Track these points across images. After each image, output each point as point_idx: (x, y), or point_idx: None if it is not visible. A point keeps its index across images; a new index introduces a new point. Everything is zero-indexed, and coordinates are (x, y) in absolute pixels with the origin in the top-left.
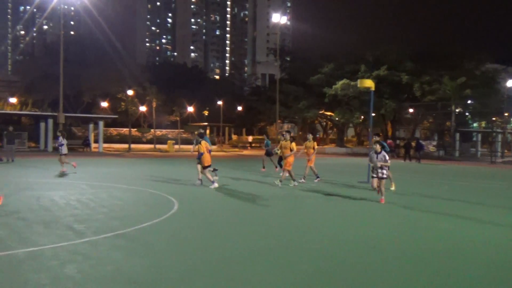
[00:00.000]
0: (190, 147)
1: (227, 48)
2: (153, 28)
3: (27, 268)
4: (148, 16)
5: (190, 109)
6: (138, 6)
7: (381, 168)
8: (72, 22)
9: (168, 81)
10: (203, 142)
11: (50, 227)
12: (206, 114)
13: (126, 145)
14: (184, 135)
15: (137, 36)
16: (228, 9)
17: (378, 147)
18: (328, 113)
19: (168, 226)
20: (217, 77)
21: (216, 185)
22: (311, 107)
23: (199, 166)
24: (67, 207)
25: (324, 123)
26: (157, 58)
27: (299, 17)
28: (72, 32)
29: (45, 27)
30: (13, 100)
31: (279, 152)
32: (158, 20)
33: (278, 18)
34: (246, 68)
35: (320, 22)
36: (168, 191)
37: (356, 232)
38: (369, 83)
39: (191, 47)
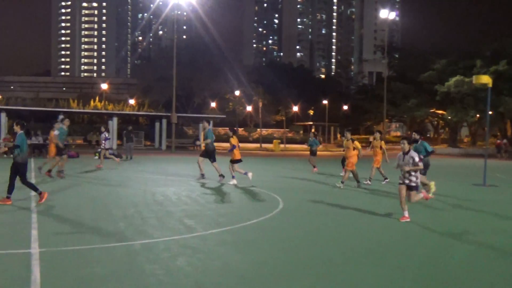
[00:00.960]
0: (295, 146)
1: (333, 47)
2: (260, 29)
3: (142, 258)
4: (255, 18)
5: (295, 108)
6: (245, 8)
7: (409, 173)
8: (184, 27)
9: (274, 81)
10: (234, 137)
11: (163, 221)
12: (311, 113)
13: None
14: (289, 135)
15: (245, 37)
16: (335, 7)
17: (406, 145)
18: (440, 112)
19: (273, 224)
20: (322, 76)
21: (235, 181)
22: (421, 105)
23: (200, 159)
24: (178, 202)
25: (435, 122)
26: (264, 59)
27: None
28: (184, 36)
29: (160, 32)
30: (131, 101)
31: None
32: (264, 22)
33: (387, 14)
34: (352, 67)
35: (431, 16)
36: (274, 190)
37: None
38: (486, 79)
39: (297, 47)
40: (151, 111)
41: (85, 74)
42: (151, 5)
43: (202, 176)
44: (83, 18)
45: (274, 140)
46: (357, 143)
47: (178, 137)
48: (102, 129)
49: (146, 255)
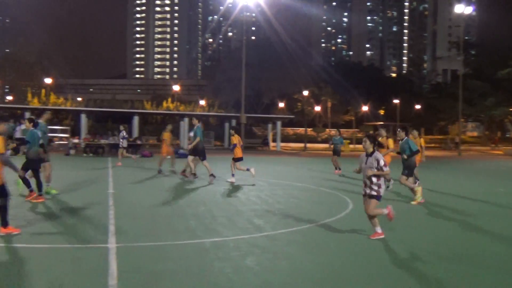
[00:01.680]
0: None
1: (405, 45)
2: (328, 28)
3: (212, 256)
4: (324, 17)
5: (365, 108)
6: (314, 7)
7: (370, 180)
8: (253, 28)
9: (343, 80)
10: (236, 135)
11: (232, 220)
12: (382, 113)
13: (301, 144)
14: (359, 135)
15: (313, 37)
16: (406, 4)
17: (368, 144)
18: None
19: (342, 226)
20: (393, 74)
21: (233, 179)
22: (499, 104)
23: (190, 157)
24: (247, 202)
25: None
26: (333, 58)
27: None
28: (253, 37)
29: (230, 34)
30: (202, 102)
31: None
32: (333, 20)
33: (462, 9)
34: (425, 65)
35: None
36: (343, 191)
37: None
38: None
39: (367, 45)
40: (220, 112)
41: (158, 76)
42: (221, 7)
43: (194, 175)
44: (156, 22)
45: (343, 140)
46: (390, 141)
47: (247, 137)
48: (121, 127)
49: (216, 253)
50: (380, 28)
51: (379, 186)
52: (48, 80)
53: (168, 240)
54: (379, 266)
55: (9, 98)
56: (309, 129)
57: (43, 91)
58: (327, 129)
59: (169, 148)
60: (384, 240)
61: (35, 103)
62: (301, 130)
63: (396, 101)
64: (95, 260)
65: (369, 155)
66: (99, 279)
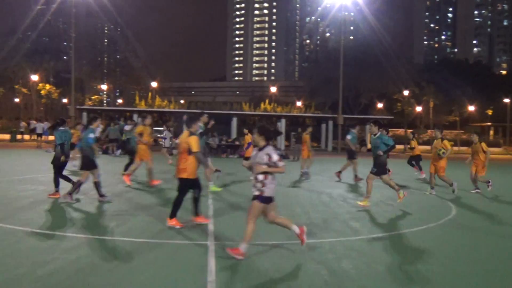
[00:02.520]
0: (469, 149)
1: None
2: (431, 25)
3: (307, 258)
4: (427, 13)
5: (471, 108)
6: (415, 4)
7: (257, 179)
8: (351, 27)
9: (447, 79)
10: (250, 134)
11: (328, 222)
12: (490, 113)
13: (401, 146)
14: (463, 136)
15: (415, 34)
16: None
17: (258, 137)
18: None
19: (443, 231)
20: (503, 72)
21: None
22: None
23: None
24: (344, 204)
25: None
26: (436, 56)
27: None
28: (351, 37)
29: (327, 34)
30: (299, 103)
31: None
32: (437, 16)
33: None
34: None
35: None
36: (446, 195)
37: None
38: None
39: (474, 41)
40: (317, 113)
41: (256, 78)
42: (319, 8)
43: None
44: (255, 25)
45: (445, 141)
46: (446, 143)
47: (345, 139)
48: (164, 127)
49: (311, 255)
50: (489, 22)
51: (263, 184)
52: (154, 84)
53: (264, 240)
54: (484, 275)
55: (119, 101)
56: (409, 130)
57: (150, 94)
58: (429, 131)
59: (309, 150)
60: (482, 247)
61: (142, 106)
62: (400, 131)
63: (506, 100)
64: (195, 257)
65: (260, 149)
66: (198, 275)
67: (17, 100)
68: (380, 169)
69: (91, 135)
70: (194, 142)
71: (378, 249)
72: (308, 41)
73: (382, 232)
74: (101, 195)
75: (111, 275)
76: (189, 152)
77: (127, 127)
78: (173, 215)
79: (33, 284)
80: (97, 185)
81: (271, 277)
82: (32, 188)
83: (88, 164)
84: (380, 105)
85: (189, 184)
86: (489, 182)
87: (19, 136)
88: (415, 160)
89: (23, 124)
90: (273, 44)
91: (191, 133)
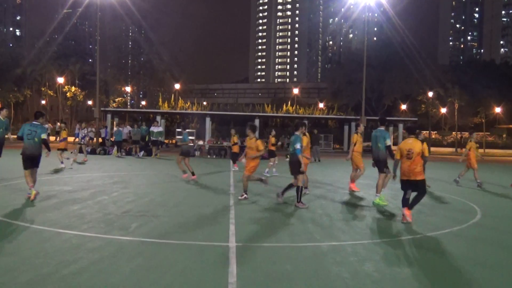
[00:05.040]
0: (496, 151)
1: None
2: (457, 25)
3: (329, 260)
4: (452, 14)
5: (498, 109)
6: (440, 5)
7: None
8: (375, 29)
9: (473, 80)
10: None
11: (350, 224)
12: None
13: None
14: (489, 139)
15: (440, 35)
16: None
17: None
18: None
19: (468, 235)
20: None
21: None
22: None
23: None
24: (367, 206)
25: None
26: (461, 57)
27: None
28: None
29: (351, 35)
30: (321, 105)
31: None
32: (463, 17)
33: None
34: None
35: None
36: (471, 198)
37: None
38: None
39: (501, 42)
40: (340, 115)
41: (279, 80)
42: (342, 9)
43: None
44: (278, 27)
45: (470, 142)
46: (472, 144)
47: (367, 140)
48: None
49: (333, 257)
50: None
51: None
52: (177, 86)
53: (286, 242)
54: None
55: (143, 103)
56: (433, 132)
57: (173, 96)
58: (453, 132)
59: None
60: (508, 253)
61: (165, 107)
62: (424, 133)
63: None
64: (216, 258)
65: None
66: (219, 277)
67: (43, 102)
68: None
69: (297, 146)
70: (425, 148)
71: (401, 252)
72: (331, 42)
73: (405, 235)
74: (282, 194)
75: (133, 275)
76: (422, 156)
77: (154, 129)
78: (411, 207)
79: (57, 283)
80: (294, 188)
81: (292, 279)
82: (57, 188)
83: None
84: (404, 107)
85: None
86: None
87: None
88: None
89: (49, 125)
90: (296, 45)
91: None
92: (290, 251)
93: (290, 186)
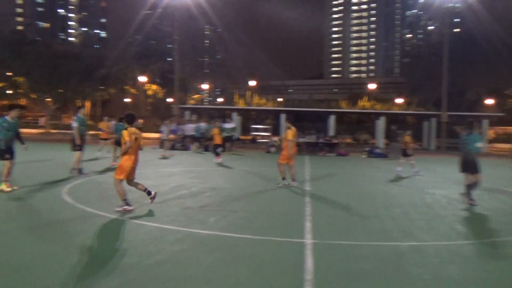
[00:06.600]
0: None
1: None
2: None
3: (409, 261)
4: None
5: None
6: None
7: None
8: (458, 19)
9: None
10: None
11: (431, 225)
12: None
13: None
14: None
15: None
16: None
17: None
18: None
19: None
20: None
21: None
22: None
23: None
24: (449, 206)
25: None
26: None
27: None
28: (457, 29)
29: (430, 28)
30: (399, 100)
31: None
32: None
33: None
34: None
35: None
36: None
37: None
38: None
39: None
40: (419, 110)
41: (354, 75)
42: (420, 0)
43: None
44: (353, 21)
45: None
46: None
47: (449, 137)
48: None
49: (414, 257)
50: None
51: None
52: (252, 83)
53: (363, 240)
54: None
55: (220, 100)
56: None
57: (248, 93)
58: None
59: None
60: None
61: (241, 104)
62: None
63: None
64: (292, 254)
65: None
66: (295, 273)
67: (126, 100)
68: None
69: (478, 144)
70: None
71: (487, 256)
72: (409, 35)
73: (491, 237)
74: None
75: (211, 269)
76: None
77: (227, 125)
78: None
79: (140, 273)
80: (474, 187)
81: (370, 278)
82: (140, 182)
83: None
84: (489, 102)
85: None
86: None
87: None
88: None
89: (140, 121)
90: (372, 39)
91: None
92: (367, 249)
93: (471, 185)
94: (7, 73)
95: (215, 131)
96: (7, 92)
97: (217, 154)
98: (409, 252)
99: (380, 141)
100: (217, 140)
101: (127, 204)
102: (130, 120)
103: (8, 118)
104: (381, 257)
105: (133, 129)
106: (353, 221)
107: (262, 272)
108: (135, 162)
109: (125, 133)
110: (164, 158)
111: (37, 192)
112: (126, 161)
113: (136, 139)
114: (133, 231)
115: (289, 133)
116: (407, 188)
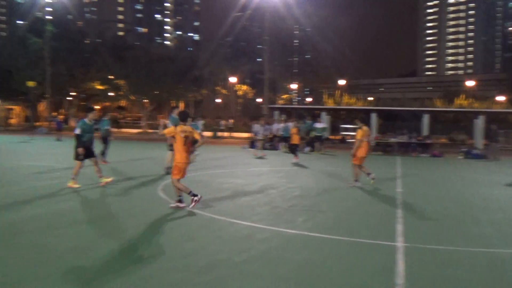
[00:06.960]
0: None
1: None
2: None
3: (508, 268)
4: None
5: None
6: None
7: None
8: None
9: None
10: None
11: None
12: None
13: None
14: None
15: None
16: None
17: None
18: None
19: None
20: None
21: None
22: None
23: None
24: None
25: None
26: None
27: None
28: None
29: None
30: (500, 98)
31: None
32: None
33: None
34: None
35: None
36: None
37: None
38: None
39: None
40: None
41: (450, 72)
42: None
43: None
44: (449, 15)
45: None
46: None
47: None
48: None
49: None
50: None
51: None
52: (342, 82)
53: (459, 246)
54: None
55: (309, 99)
56: None
57: (338, 92)
58: None
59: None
60: None
61: (330, 104)
62: None
63: None
64: (382, 257)
65: None
66: (385, 277)
67: (218, 100)
68: None
69: None
70: None
71: None
72: (511, 28)
73: None
74: None
75: (299, 269)
76: None
77: (317, 125)
78: None
79: (230, 269)
80: None
81: (466, 286)
82: (230, 181)
83: None
84: None
85: None
86: None
87: (219, 134)
88: None
89: (223, 122)
90: (470, 34)
91: None
92: (463, 255)
93: None
94: (109, 76)
95: (294, 130)
96: (109, 94)
97: (295, 154)
98: (510, 260)
99: (479, 141)
100: (295, 139)
101: (194, 195)
102: (183, 118)
103: (86, 120)
104: (478, 265)
105: (184, 127)
106: (448, 225)
107: (352, 274)
108: (187, 160)
109: (171, 128)
110: (260, 158)
111: (134, 188)
112: (180, 161)
113: (186, 137)
114: (223, 229)
115: (359, 132)
116: (508, 190)
